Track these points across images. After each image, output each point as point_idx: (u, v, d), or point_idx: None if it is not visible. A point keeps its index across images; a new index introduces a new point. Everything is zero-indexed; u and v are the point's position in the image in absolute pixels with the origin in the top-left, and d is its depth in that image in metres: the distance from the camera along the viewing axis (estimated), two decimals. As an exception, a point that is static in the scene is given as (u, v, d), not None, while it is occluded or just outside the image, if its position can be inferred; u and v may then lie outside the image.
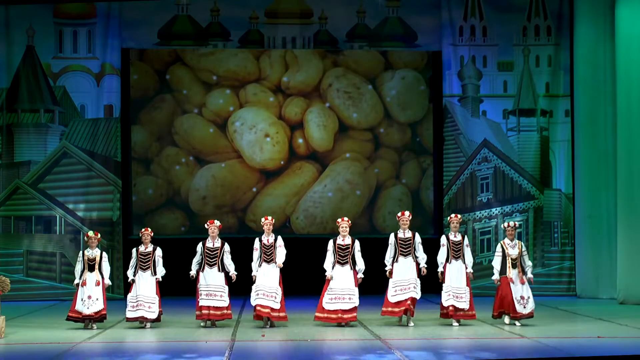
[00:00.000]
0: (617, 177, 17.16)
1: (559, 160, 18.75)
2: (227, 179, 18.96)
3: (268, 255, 13.53)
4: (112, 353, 11.27)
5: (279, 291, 13.51)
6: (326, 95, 19.11)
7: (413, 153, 19.23)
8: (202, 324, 13.57)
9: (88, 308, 13.31)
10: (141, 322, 13.54)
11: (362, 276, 13.62)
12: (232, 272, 13.62)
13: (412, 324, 13.53)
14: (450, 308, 13.53)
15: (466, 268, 13.66)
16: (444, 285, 13.63)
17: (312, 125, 19.04)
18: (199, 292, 13.60)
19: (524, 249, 13.78)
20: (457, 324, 13.45)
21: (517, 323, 13.33)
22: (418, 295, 13.65)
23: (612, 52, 17.40)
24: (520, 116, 18.82)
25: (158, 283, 13.70)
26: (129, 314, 13.57)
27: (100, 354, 11.24)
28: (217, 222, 13.78)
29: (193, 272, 13.65)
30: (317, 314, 13.61)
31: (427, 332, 12.85)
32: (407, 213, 13.85)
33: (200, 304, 13.55)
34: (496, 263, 13.72)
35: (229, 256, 13.73)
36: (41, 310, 16.14)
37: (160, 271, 13.74)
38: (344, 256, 13.59)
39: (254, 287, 13.52)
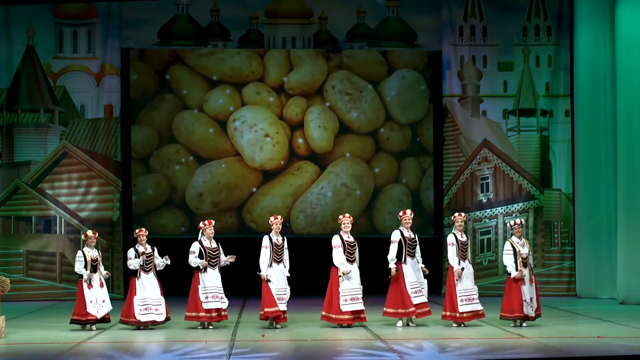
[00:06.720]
0: (617, 177, 17.14)
1: (559, 160, 18.74)
2: (227, 178, 18.95)
3: (278, 255, 13.28)
4: (112, 353, 11.26)
5: (288, 292, 13.33)
6: (326, 95, 19.10)
7: (413, 153, 19.23)
8: (199, 326, 13.33)
9: (98, 311, 13.14)
10: (152, 325, 13.36)
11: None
12: (222, 258, 13.36)
13: (413, 324, 13.47)
14: (465, 313, 13.22)
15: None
16: (457, 289, 13.15)
17: (312, 125, 19.03)
18: (200, 294, 13.19)
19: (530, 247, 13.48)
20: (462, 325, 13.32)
21: (524, 324, 13.18)
22: (426, 299, 13.55)
23: (612, 52, 17.38)
24: (520, 116, 18.81)
25: (159, 281, 13.52)
26: (140, 317, 13.23)
27: (100, 354, 11.23)
28: (213, 222, 13.54)
29: (203, 264, 13.26)
30: (332, 316, 13.32)
31: (428, 332, 12.84)
32: (408, 211, 13.58)
33: (204, 306, 13.17)
34: (509, 260, 13.14)
35: (223, 254, 13.50)
36: (41, 310, 16.14)
37: (162, 264, 13.51)
38: (352, 253, 13.32)
39: (270, 286, 13.13)
